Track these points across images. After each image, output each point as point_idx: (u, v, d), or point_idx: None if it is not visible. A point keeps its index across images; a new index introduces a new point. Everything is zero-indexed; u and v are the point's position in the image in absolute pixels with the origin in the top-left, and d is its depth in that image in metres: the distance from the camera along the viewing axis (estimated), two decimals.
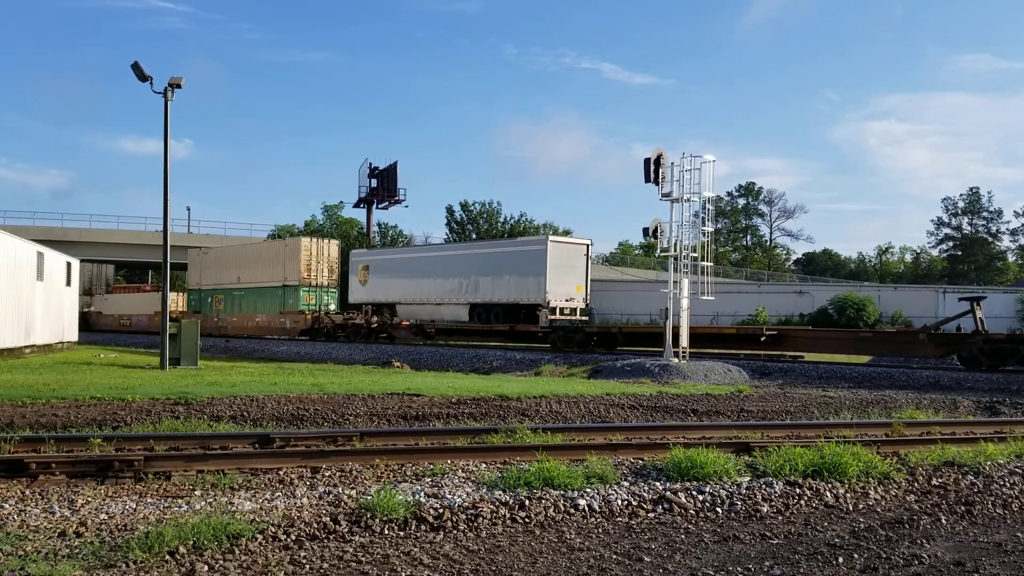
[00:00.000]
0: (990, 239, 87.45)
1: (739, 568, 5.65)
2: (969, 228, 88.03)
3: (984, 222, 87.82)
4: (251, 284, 46.60)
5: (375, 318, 39.62)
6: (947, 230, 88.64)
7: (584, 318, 34.26)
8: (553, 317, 32.67)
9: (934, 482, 8.38)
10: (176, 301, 55.54)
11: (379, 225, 65.52)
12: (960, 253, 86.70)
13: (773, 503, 7.45)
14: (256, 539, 5.82)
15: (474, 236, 61.50)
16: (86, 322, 59.21)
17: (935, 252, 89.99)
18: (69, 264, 34.96)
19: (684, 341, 25.48)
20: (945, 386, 20.19)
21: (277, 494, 7.13)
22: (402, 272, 39.59)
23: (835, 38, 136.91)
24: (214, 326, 47.17)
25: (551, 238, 34.17)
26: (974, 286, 64.13)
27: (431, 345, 36.07)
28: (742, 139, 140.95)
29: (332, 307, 43.48)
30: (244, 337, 44.04)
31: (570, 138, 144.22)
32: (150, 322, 55.84)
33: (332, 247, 45.28)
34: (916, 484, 8.29)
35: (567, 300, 33.37)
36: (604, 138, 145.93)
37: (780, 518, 7.12)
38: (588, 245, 35.14)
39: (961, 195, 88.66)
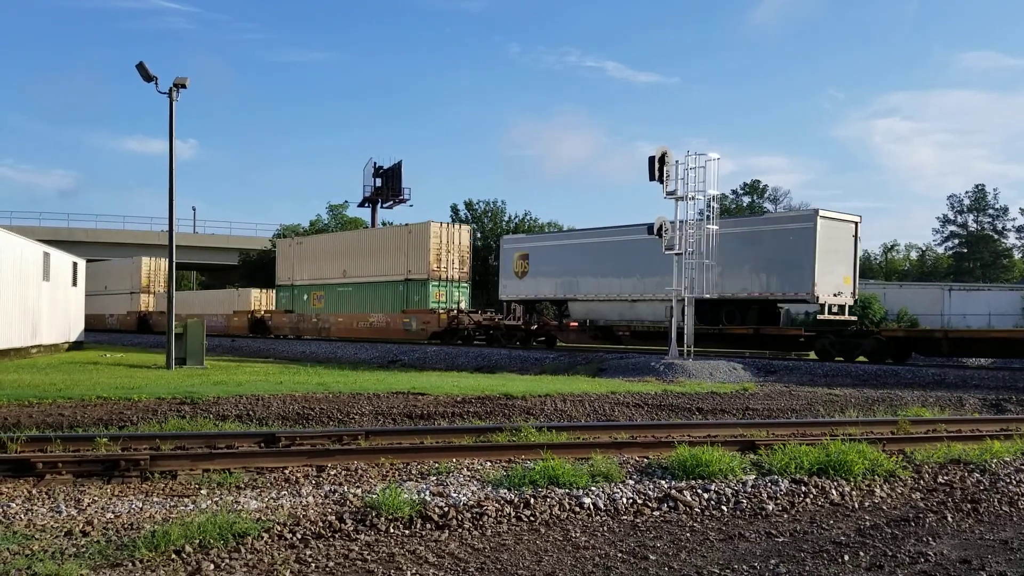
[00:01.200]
0: (996, 236, 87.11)
1: (745, 566, 5.64)
2: (975, 225, 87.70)
3: (990, 219, 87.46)
4: (362, 278, 39.40)
5: (529, 317, 33.62)
6: (952, 228, 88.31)
7: (853, 318, 27.14)
8: (821, 316, 26.28)
9: (940, 480, 8.36)
10: (259, 299, 49.28)
11: (384, 224, 65.55)
12: (966, 251, 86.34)
13: (779, 501, 7.44)
14: (262, 538, 5.83)
15: (478, 235, 60.79)
16: (145, 324, 53.28)
17: (940, 250, 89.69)
18: (75, 264, 35.06)
19: (688, 338, 25.48)
20: (951, 384, 20.14)
21: (283, 493, 7.15)
22: (578, 261, 31.45)
23: (840, 36, 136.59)
24: (312, 327, 41.40)
25: (821, 212, 26.11)
26: (980, 284, 63.97)
27: (441, 344, 35.71)
28: (746, 137, 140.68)
29: (463, 304, 36.34)
30: (353, 340, 38.14)
31: (575, 136, 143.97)
32: (228, 323, 47.97)
33: (463, 233, 37.77)
34: (922, 482, 8.27)
35: (835, 294, 25.99)
36: (609, 136, 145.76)
37: (786, 516, 7.11)
38: (857, 224, 27.02)
39: (967, 192, 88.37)
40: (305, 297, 43.11)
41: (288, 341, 41.75)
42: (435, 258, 36.14)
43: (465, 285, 37.60)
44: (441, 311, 34.73)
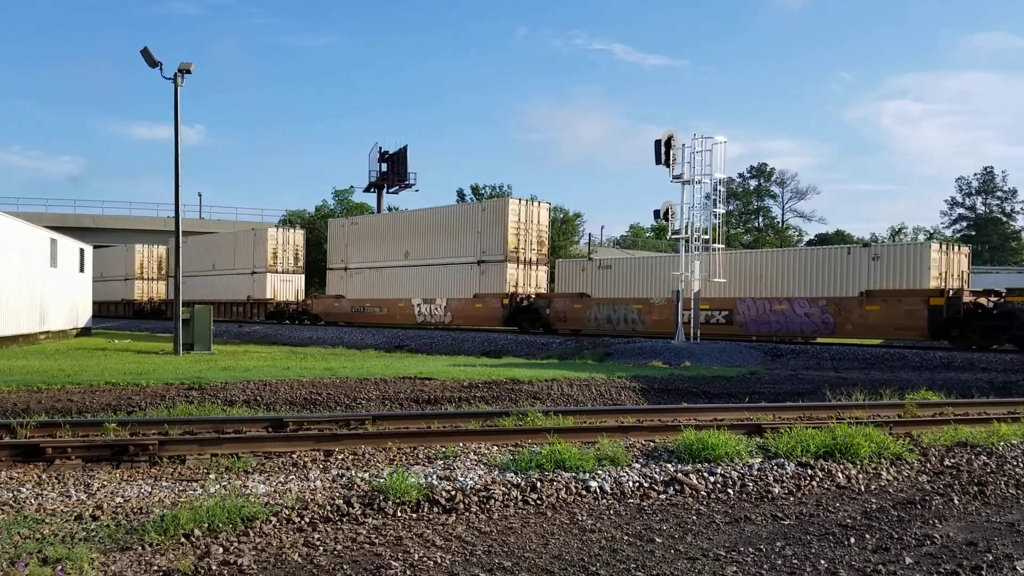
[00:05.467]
0: (1004, 219, 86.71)
1: (751, 549, 5.66)
2: (983, 208, 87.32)
3: (998, 201, 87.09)
4: None
5: None
6: (961, 210, 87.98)
7: None
8: None
9: (947, 462, 8.36)
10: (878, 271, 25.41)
11: (390, 209, 65.48)
12: (974, 233, 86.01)
13: (785, 484, 7.45)
14: (270, 522, 5.87)
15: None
16: (535, 318, 31.77)
17: (948, 232, 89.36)
18: (82, 250, 35.14)
19: (694, 322, 25.46)
20: (958, 367, 20.09)
21: (291, 477, 7.18)
22: None
23: (850, 18, 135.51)
24: None
25: None
26: (988, 267, 63.69)
27: (442, 329, 35.63)
28: (754, 120, 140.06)
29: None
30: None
31: (583, 120, 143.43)
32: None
33: None
34: (928, 465, 8.27)
35: None
36: (617, 120, 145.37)
37: (792, 499, 7.12)
38: None
39: (975, 175, 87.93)
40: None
41: (298, 326, 41.09)
42: None
43: None
44: None
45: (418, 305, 36.28)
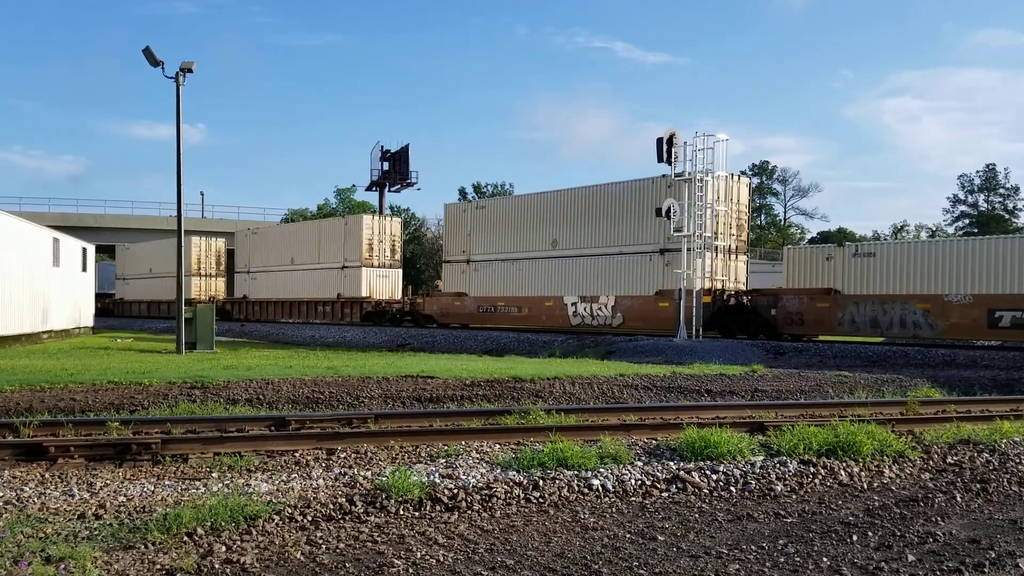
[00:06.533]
0: (1007, 216, 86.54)
1: (753, 546, 5.65)
2: (985, 205, 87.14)
3: (1000, 199, 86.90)
4: None
5: None
6: (963, 207, 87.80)
7: None
8: None
9: (949, 460, 8.36)
10: None
11: (391, 208, 65.50)
12: (976, 231, 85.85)
13: (787, 482, 7.45)
14: (273, 520, 5.87)
15: None
16: None
17: (951, 230, 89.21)
18: (85, 250, 35.16)
19: (697, 320, 25.45)
20: (961, 364, 20.08)
21: (293, 476, 7.19)
22: None
23: (851, 15, 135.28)
24: None
25: None
26: None
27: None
28: (756, 118, 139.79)
29: None
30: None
31: (585, 118, 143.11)
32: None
33: None
34: (931, 462, 8.27)
35: None
36: (619, 118, 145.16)
37: (794, 497, 7.12)
38: None
39: (977, 172, 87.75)
40: None
41: (297, 325, 41.10)
42: None
43: None
44: None
45: (573, 304, 30.43)
